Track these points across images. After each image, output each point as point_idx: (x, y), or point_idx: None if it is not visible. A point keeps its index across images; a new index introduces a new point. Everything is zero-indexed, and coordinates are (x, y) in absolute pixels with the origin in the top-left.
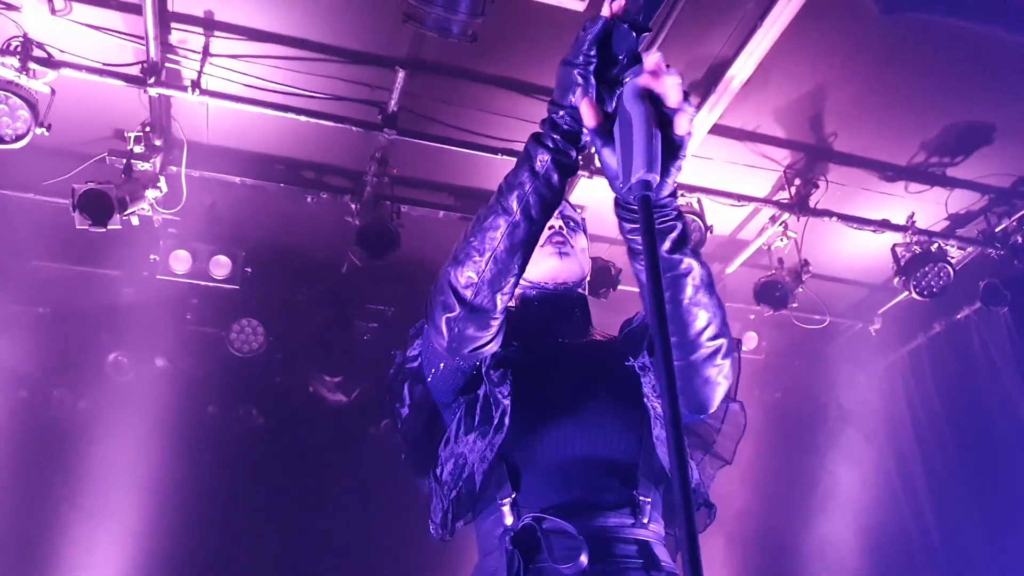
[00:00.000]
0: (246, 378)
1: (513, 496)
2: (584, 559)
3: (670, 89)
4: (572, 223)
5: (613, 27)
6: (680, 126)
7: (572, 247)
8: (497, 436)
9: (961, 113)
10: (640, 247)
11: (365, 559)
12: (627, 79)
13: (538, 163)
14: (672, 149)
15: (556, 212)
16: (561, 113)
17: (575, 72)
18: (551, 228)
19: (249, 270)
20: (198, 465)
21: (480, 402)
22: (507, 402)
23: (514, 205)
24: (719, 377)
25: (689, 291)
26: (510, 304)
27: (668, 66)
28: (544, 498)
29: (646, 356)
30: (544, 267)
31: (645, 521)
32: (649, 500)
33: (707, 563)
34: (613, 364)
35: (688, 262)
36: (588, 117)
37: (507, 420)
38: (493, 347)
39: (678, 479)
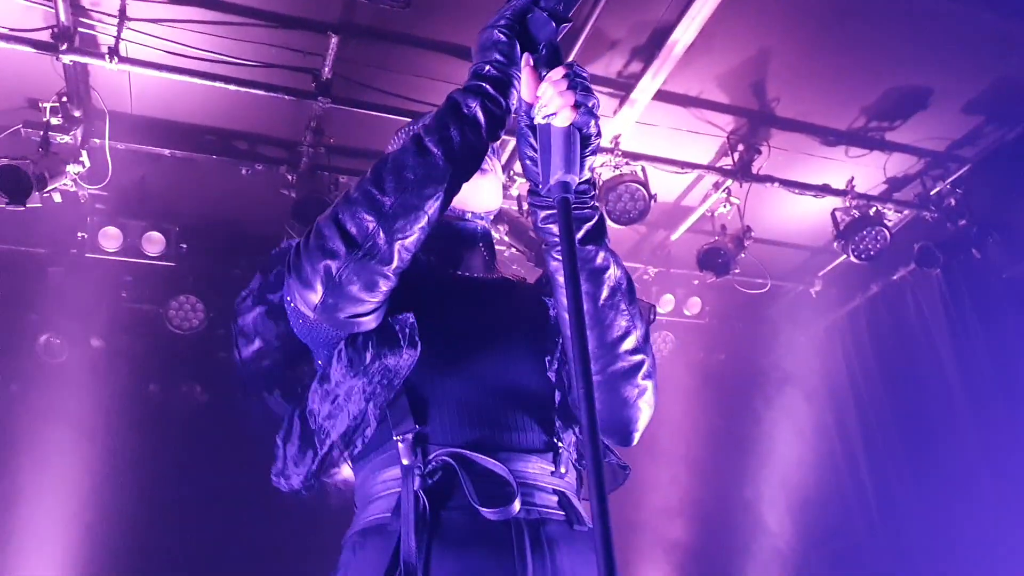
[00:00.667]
0: (187, 355)
1: (415, 430)
2: (517, 505)
3: (553, 101)
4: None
5: (533, 13)
6: (561, 119)
7: (491, 167)
8: (408, 355)
9: (899, 78)
10: (556, 239)
11: (315, 531)
12: (544, 74)
13: (464, 107)
14: (583, 140)
15: None
16: (486, 67)
17: (496, 32)
18: None
19: (184, 246)
20: (141, 445)
21: (374, 331)
22: (412, 319)
23: (433, 146)
24: (641, 401)
25: (606, 292)
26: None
27: (572, 65)
28: (453, 434)
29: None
30: None
31: (563, 471)
32: (564, 447)
33: (640, 524)
34: (526, 302)
35: (604, 256)
36: (528, 84)
37: (418, 338)
38: (371, 323)
39: (590, 456)
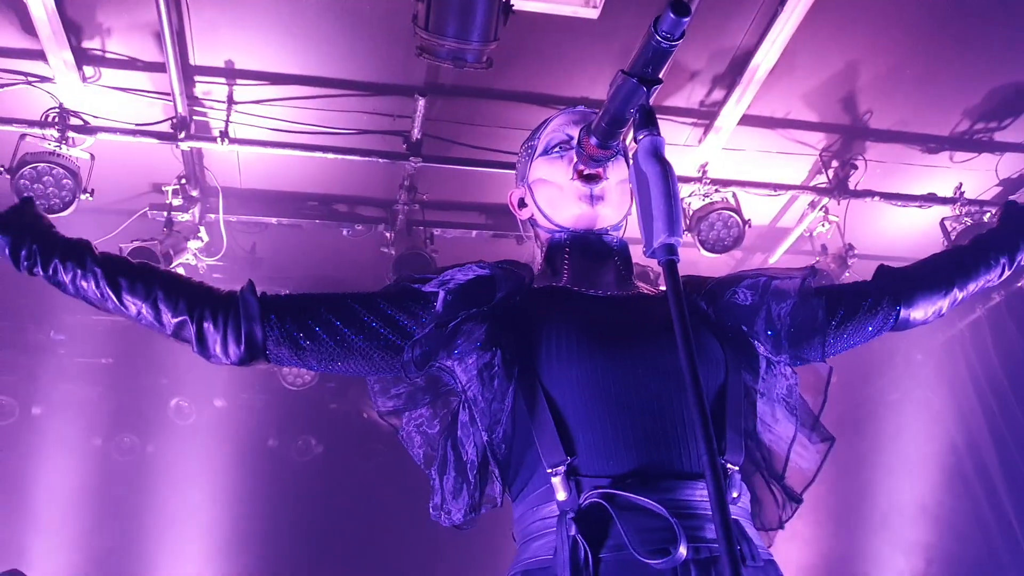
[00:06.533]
0: (302, 410)
1: (568, 462)
2: (683, 550)
3: None
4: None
5: (623, 81)
6: None
7: (606, 190)
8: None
9: (1003, 76)
10: None
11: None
12: (640, 137)
13: None
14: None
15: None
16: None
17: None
18: (580, 157)
19: None
20: (264, 498)
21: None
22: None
23: None
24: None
25: None
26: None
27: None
28: (608, 463)
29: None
30: (569, 212)
31: (735, 495)
32: (737, 469)
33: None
34: (667, 312)
35: None
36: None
37: (575, 347)
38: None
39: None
